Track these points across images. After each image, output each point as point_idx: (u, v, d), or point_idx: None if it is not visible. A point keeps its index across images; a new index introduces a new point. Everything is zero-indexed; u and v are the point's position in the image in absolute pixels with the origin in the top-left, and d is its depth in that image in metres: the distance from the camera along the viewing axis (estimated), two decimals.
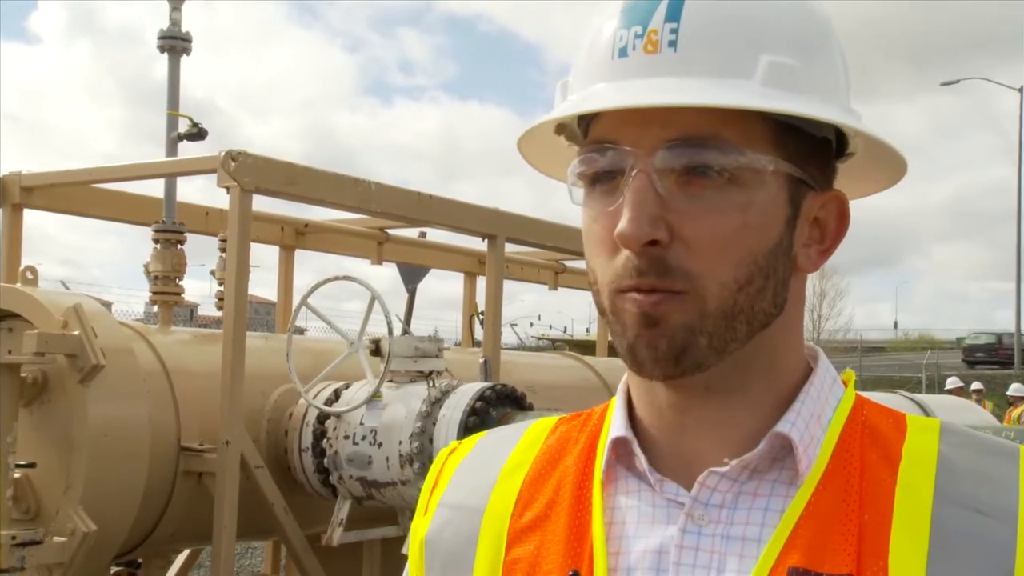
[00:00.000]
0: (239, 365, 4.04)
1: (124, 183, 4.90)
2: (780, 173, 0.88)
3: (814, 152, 0.91)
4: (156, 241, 4.61)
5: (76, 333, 3.67)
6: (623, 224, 0.84)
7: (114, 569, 4.47)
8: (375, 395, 4.11)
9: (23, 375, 3.78)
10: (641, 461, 0.92)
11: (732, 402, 0.91)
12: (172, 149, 4.84)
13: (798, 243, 0.91)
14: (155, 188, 4.95)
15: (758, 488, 0.89)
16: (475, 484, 1.01)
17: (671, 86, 0.85)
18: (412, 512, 1.16)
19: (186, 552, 5.20)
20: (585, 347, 9.45)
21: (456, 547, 0.99)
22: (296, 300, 4.64)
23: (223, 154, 4.03)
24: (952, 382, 16.87)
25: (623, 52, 0.88)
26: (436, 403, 4.08)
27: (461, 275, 6.78)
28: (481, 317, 5.48)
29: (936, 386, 24.25)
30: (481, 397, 4.06)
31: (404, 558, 1.11)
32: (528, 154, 1.02)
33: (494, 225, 5.29)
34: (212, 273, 4.93)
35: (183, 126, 4.85)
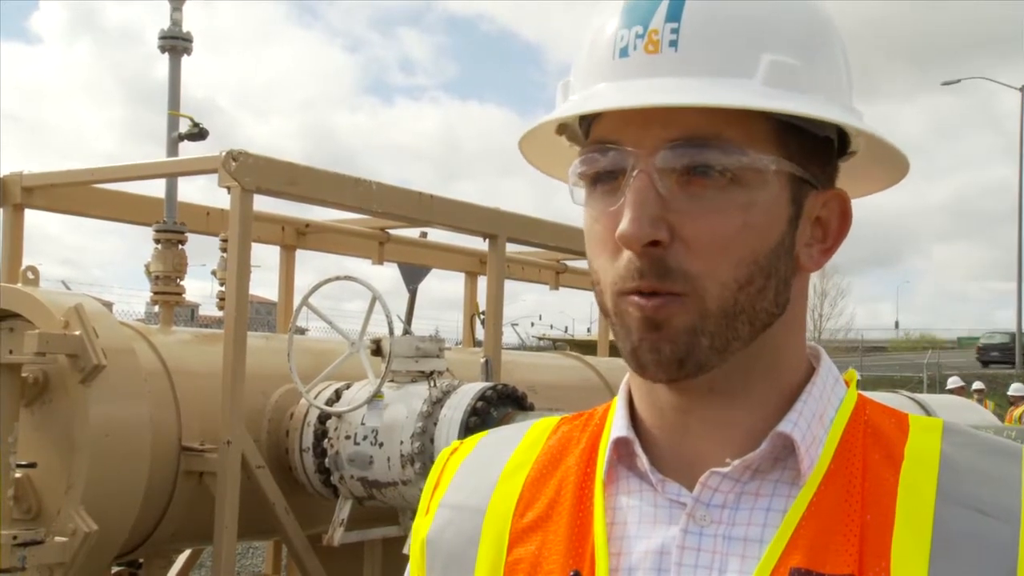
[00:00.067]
0: (240, 365, 4.04)
1: (125, 183, 4.90)
2: (782, 172, 0.87)
3: (816, 151, 0.91)
4: (157, 241, 4.62)
5: (77, 333, 3.67)
6: (624, 225, 0.84)
7: (115, 569, 4.47)
8: (376, 395, 4.11)
9: (24, 375, 3.78)
10: (643, 461, 0.92)
11: (735, 403, 0.91)
12: (173, 149, 4.85)
13: (800, 242, 0.91)
14: (156, 188, 4.96)
15: (760, 488, 0.89)
16: (476, 484, 1.01)
17: (672, 86, 0.85)
18: (413, 512, 1.16)
19: (187, 552, 5.21)
20: (586, 347, 9.45)
21: (457, 547, 0.99)
22: (297, 300, 4.64)
23: (224, 154, 4.03)
24: (953, 382, 16.86)
25: (624, 52, 0.88)
26: (437, 403, 4.08)
27: (462, 275, 6.78)
28: (482, 317, 5.48)
29: (937, 386, 24.24)
30: (482, 397, 4.06)
31: (405, 558, 1.10)
32: (529, 154, 1.02)
33: (495, 225, 5.29)
34: (213, 273, 4.94)
35: (184, 126, 4.85)
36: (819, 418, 0.91)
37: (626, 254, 0.86)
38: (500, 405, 4.11)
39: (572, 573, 0.90)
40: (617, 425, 0.95)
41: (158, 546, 4.30)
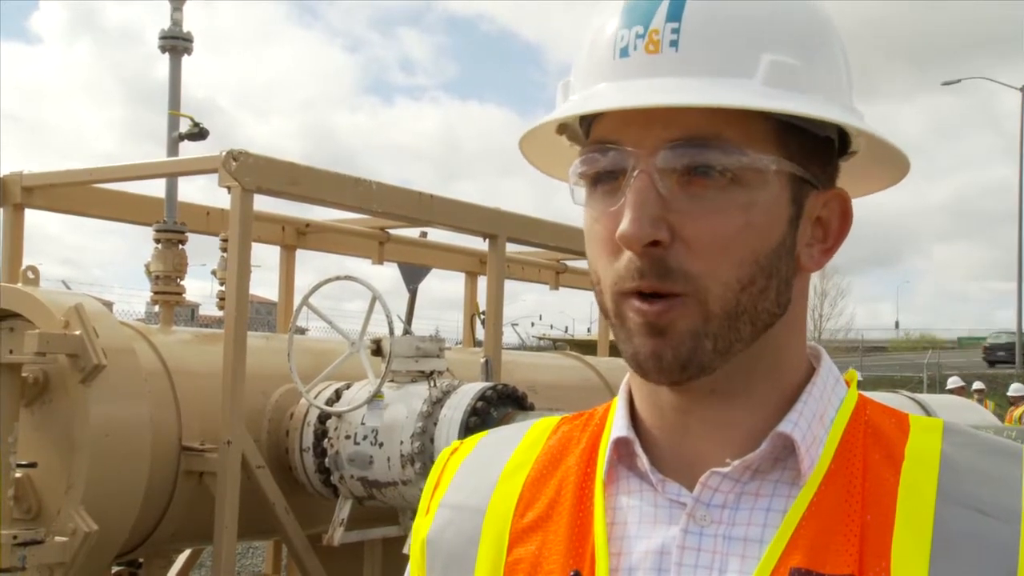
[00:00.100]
0: (240, 365, 4.04)
1: (125, 183, 4.90)
2: (782, 172, 0.87)
3: (816, 151, 0.91)
4: (157, 241, 4.62)
5: (77, 333, 3.67)
6: (624, 225, 0.84)
7: (115, 569, 4.47)
8: (376, 395, 4.11)
9: (24, 375, 3.78)
10: (643, 461, 0.92)
11: (735, 403, 0.91)
12: (173, 149, 4.85)
13: (801, 242, 0.91)
14: (156, 188, 4.96)
15: (760, 488, 0.89)
16: (477, 484, 1.01)
17: (673, 86, 0.85)
18: (413, 512, 1.16)
19: (187, 552, 5.21)
20: (586, 347, 9.45)
21: (457, 547, 0.99)
22: (297, 300, 4.64)
23: (224, 154, 4.03)
24: (953, 382, 16.86)
25: (624, 52, 0.88)
26: (437, 403, 4.08)
27: (462, 275, 6.78)
28: (482, 317, 5.48)
29: (937, 386, 24.24)
30: (482, 397, 4.06)
31: (405, 558, 1.11)
32: (530, 154, 1.02)
33: (495, 225, 5.29)
34: (213, 273, 4.94)
35: (184, 126, 4.85)
36: (819, 418, 0.91)
37: (626, 254, 0.86)
38: (500, 405, 4.10)
39: (572, 573, 0.90)
40: (617, 425, 0.95)
41: (158, 546, 4.30)
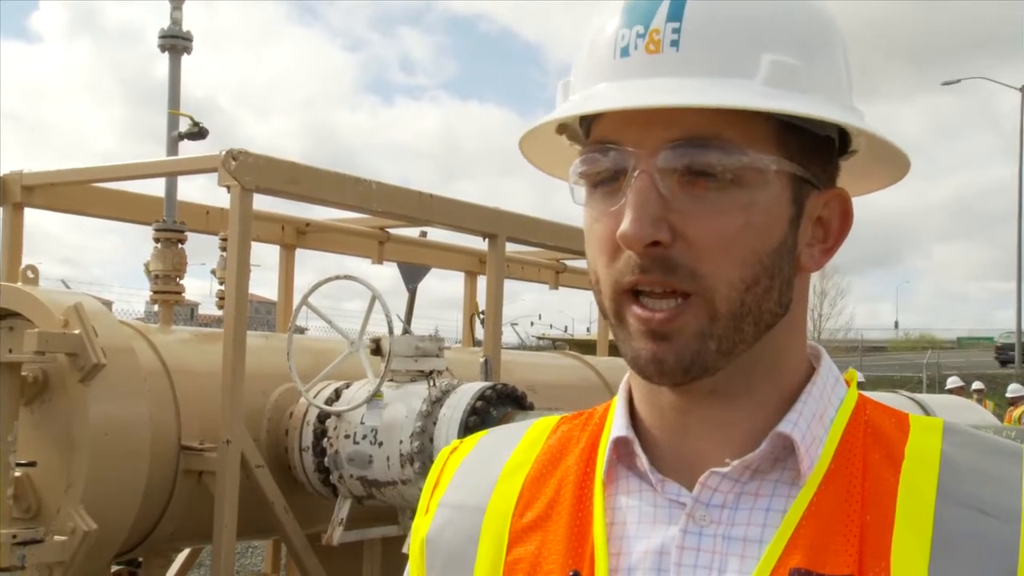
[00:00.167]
0: (240, 364, 4.04)
1: (125, 182, 4.90)
2: (783, 172, 0.87)
3: (817, 150, 0.91)
4: (157, 240, 4.61)
5: (77, 332, 3.67)
6: (625, 225, 0.84)
7: (114, 568, 4.47)
8: (376, 394, 4.11)
9: (24, 374, 3.78)
10: (642, 461, 0.92)
11: (735, 403, 0.91)
12: (173, 148, 4.84)
13: (801, 242, 0.91)
14: (156, 187, 4.95)
15: (760, 488, 0.89)
16: (476, 483, 1.01)
17: (673, 86, 0.85)
18: (413, 511, 1.16)
19: (186, 551, 5.20)
20: (586, 347, 9.45)
21: (457, 547, 0.99)
22: (297, 299, 4.64)
23: (224, 153, 4.03)
24: (952, 381, 16.87)
25: (625, 52, 0.88)
26: (437, 402, 4.08)
27: (462, 274, 6.77)
28: (482, 316, 5.48)
29: (937, 386, 24.25)
30: (482, 396, 4.06)
31: (405, 557, 1.10)
32: (529, 153, 1.02)
33: (495, 224, 5.28)
34: (213, 272, 4.93)
35: (184, 125, 4.85)
36: (819, 418, 0.91)
37: (626, 254, 0.86)
38: (499, 404, 4.10)
39: (572, 573, 0.90)
40: (617, 425, 0.95)
41: (157, 545, 4.30)
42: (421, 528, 1.03)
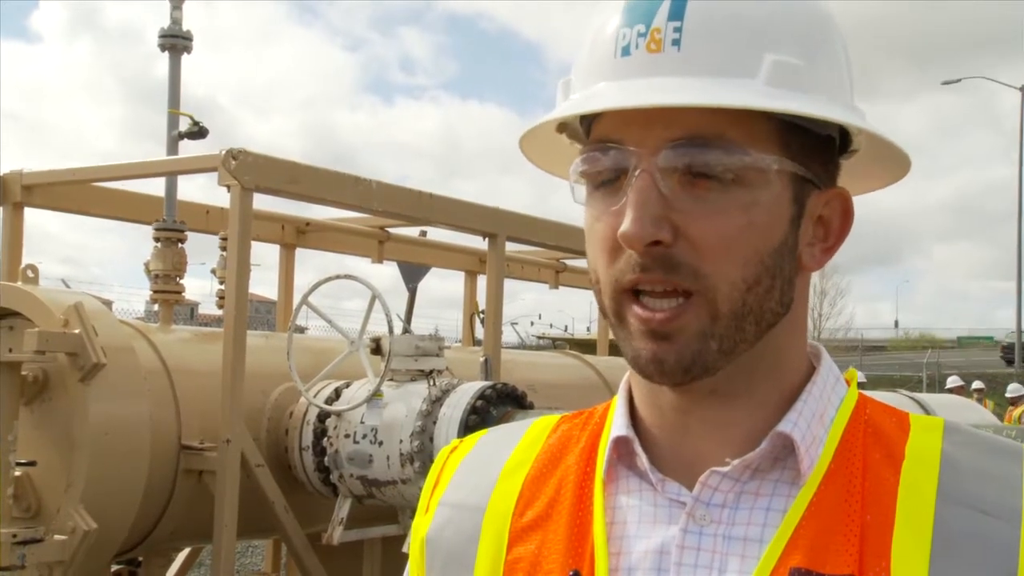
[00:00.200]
0: (240, 364, 4.04)
1: (125, 182, 4.89)
2: (784, 172, 0.87)
3: (818, 150, 0.91)
4: (157, 239, 4.61)
5: (77, 331, 3.67)
6: (626, 224, 0.84)
7: (115, 567, 4.47)
8: (376, 394, 4.11)
9: (24, 373, 3.78)
10: (642, 460, 0.92)
11: (736, 403, 0.91)
12: (173, 147, 4.84)
13: (802, 242, 0.91)
14: (156, 186, 4.95)
15: (760, 488, 0.89)
16: (476, 483, 1.01)
17: (674, 85, 0.85)
18: (413, 511, 1.16)
19: (187, 550, 5.20)
20: (586, 346, 9.44)
21: (457, 546, 0.98)
22: (297, 299, 4.64)
23: (224, 152, 4.02)
24: (952, 381, 16.88)
25: (626, 51, 0.87)
26: (437, 402, 4.08)
27: (462, 274, 6.77)
28: (482, 316, 5.47)
29: (937, 385, 24.24)
30: (482, 396, 4.06)
31: (405, 557, 1.10)
32: (530, 152, 1.02)
33: (495, 224, 5.28)
34: (213, 272, 4.93)
35: (184, 124, 4.84)
36: (819, 417, 0.90)
37: (627, 253, 0.86)
38: (500, 404, 4.10)
39: (572, 573, 0.90)
40: (617, 424, 0.95)
41: (157, 544, 4.30)
42: (421, 527, 1.03)
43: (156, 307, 4.81)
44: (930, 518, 0.84)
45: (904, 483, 0.87)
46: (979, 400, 14.56)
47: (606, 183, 0.89)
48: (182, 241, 4.65)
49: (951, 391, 14.76)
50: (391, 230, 5.90)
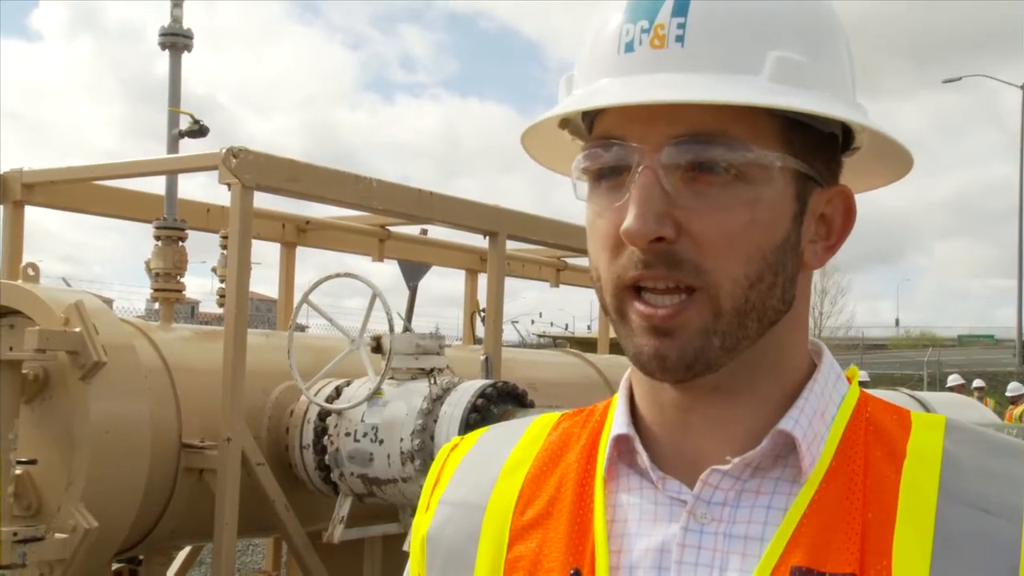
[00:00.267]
0: (240, 362, 4.03)
1: (125, 180, 4.89)
2: (787, 169, 0.87)
3: (820, 147, 0.90)
4: (157, 238, 4.61)
5: (77, 330, 3.67)
6: (629, 221, 0.84)
7: (115, 566, 4.47)
8: (376, 392, 4.11)
9: (24, 372, 3.78)
10: (643, 458, 0.92)
11: (737, 400, 0.90)
12: (173, 146, 4.83)
13: (805, 239, 0.91)
14: (156, 185, 4.95)
15: (761, 486, 0.88)
16: (477, 481, 1.01)
17: (678, 82, 0.84)
18: (413, 509, 1.16)
19: (187, 549, 5.21)
20: (586, 344, 9.43)
21: (457, 544, 0.98)
22: (297, 297, 4.64)
23: (224, 151, 4.02)
24: (953, 379, 16.87)
25: (629, 47, 0.87)
26: (437, 400, 4.08)
27: (462, 272, 6.77)
28: (482, 314, 5.47)
29: (937, 383, 24.25)
30: (482, 394, 4.05)
31: (405, 555, 1.10)
32: (531, 148, 1.02)
33: (495, 222, 5.28)
34: (213, 270, 4.93)
35: (184, 123, 4.84)
36: (820, 415, 0.90)
37: (629, 250, 0.86)
38: (500, 402, 4.10)
39: (572, 571, 0.90)
40: (617, 422, 0.95)
41: (158, 543, 4.30)
42: (422, 525, 1.03)
43: (157, 305, 4.81)
44: (932, 516, 0.84)
45: (905, 481, 0.87)
46: (980, 399, 14.55)
47: (608, 179, 0.88)
48: (183, 239, 4.65)
49: (952, 389, 14.76)
50: (392, 228, 5.90)
